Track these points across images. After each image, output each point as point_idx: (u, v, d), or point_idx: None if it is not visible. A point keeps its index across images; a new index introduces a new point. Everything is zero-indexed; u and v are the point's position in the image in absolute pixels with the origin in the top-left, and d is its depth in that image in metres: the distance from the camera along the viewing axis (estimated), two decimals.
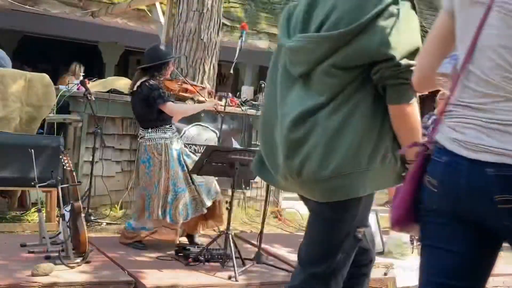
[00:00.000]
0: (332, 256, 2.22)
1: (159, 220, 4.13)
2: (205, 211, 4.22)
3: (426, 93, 1.99)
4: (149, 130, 4.21)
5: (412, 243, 4.33)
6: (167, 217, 4.10)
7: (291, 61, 2.18)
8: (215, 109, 4.58)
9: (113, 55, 10.36)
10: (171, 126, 4.30)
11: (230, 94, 4.88)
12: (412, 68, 1.93)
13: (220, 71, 8.05)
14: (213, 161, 3.90)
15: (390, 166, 2.14)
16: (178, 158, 4.21)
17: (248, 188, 5.89)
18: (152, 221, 4.17)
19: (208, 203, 4.22)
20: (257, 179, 4.49)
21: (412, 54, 2.03)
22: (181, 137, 4.86)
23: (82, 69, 7.57)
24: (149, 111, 4.21)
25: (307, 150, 2.08)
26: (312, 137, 2.07)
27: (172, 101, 4.32)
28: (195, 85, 4.78)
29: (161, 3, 6.42)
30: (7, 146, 4.45)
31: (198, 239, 4.45)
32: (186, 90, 4.94)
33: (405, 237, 3.77)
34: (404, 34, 2.04)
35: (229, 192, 3.97)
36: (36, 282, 3.22)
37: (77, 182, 3.83)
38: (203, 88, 4.66)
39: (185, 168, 4.21)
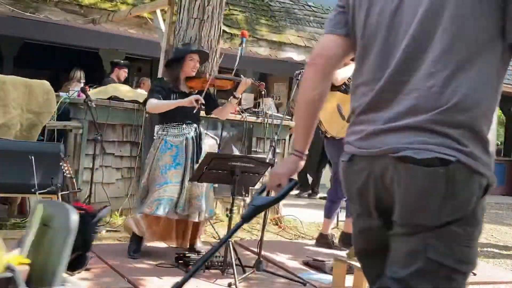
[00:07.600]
0: None
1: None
2: (176, 217, 4.21)
3: None
4: (157, 125, 4.32)
5: None
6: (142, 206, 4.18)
7: None
8: (196, 106, 4.11)
9: None
10: (179, 124, 4.24)
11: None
12: None
13: None
14: (213, 168, 3.90)
15: None
16: (174, 157, 4.19)
17: (248, 195, 5.89)
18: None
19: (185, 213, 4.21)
20: (257, 186, 4.47)
21: None
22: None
23: (83, 75, 7.58)
24: None
25: None
26: None
27: (154, 98, 4.18)
28: (227, 79, 4.48)
29: (161, 10, 6.44)
30: (8, 152, 4.46)
31: (201, 247, 4.45)
32: (212, 86, 4.51)
33: None
34: None
35: (230, 199, 3.96)
36: None
37: (77, 189, 3.84)
38: (238, 81, 4.34)
39: (180, 168, 4.19)
